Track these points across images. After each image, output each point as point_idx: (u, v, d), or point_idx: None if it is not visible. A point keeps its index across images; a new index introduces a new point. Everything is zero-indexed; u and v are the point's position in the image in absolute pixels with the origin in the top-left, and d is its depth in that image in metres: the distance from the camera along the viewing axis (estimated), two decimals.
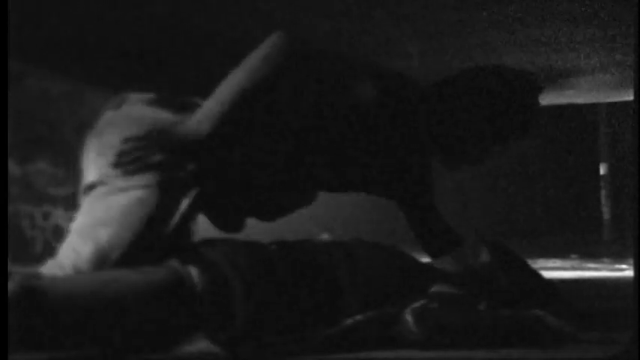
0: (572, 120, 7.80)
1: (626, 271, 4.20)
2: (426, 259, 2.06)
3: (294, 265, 1.72)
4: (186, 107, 1.85)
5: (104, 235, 1.70)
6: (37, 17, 2.74)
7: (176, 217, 1.75)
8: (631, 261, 3.75)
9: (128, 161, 1.75)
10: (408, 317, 1.67)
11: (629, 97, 4.53)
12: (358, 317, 1.69)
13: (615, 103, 5.62)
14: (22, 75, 3.30)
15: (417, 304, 1.69)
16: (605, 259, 5.19)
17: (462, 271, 1.95)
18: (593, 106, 7.40)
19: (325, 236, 2.17)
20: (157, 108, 1.84)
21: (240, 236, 1.84)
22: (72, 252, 1.71)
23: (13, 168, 3.38)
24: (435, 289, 1.81)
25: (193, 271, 1.63)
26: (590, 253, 5.78)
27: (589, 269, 4.52)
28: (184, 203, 1.76)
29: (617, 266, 4.63)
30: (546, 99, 4.74)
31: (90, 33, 2.98)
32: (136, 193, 1.74)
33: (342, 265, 1.78)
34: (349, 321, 1.68)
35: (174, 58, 3.39)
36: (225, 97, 1.81)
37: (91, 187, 1.80)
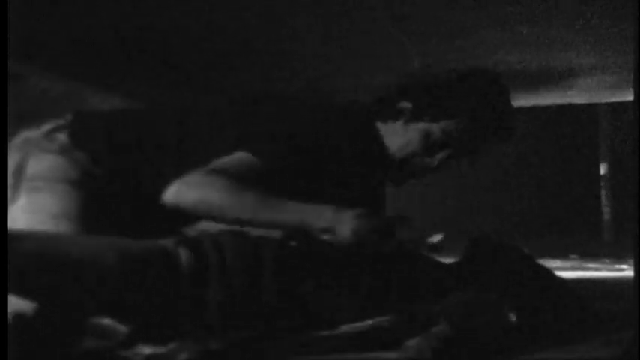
0: (572, 120, 7.79)
1: (626, 271, 4.20)
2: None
3: (283, 263, 1.71)
4: None
5: None
6: (37, 17, 2.74)
7: None
8: (631, 261, 3.75)
9: None
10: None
11: (629, 97, 4.53)
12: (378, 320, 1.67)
13: (615, 103, 5.62)
14: (22, 75, 3.30)
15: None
16: (605, 259, 5.18)
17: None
18: (593, 106, 7.39)
19: (325, 236, 2.15)
20: None
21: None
22: None
23: None
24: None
25: (182, 249, 1.62)
26: (590, 253, 5.77)
27: (589, 269, 4.52)
28: None
29: (617, 266, 4.63)
30: (546, 99, 4.74)
31: (90, 33, 2.97)
32: None
33: (333, 269, 1.77)
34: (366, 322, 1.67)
35: (174, 58, 3.39)
36: None
37: None
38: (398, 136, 1.96)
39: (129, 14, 2.77)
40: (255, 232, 1.78)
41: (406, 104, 1.96)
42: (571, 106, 5.85)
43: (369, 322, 1.67)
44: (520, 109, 5.74)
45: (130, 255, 1.56)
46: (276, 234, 1.81)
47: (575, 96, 4.64)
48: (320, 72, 3.74)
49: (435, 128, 1.94)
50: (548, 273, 2.03)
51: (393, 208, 2.36)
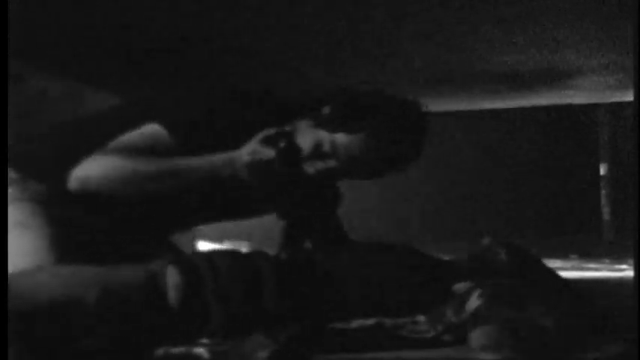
0: (572, 120, 7.79)
1: (626, 271, 4.20)
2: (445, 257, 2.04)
3: (278, 274, 1.70)
4: None
5: None
6: (37, 17, 2.74)
7: None
8: (631, 261, 3.75)
9: None
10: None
11: (629, 97, 4.53)
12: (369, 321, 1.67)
13: (615, 103, 5.62)
14: (22, 75, 3.30)
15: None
16: (605, 259, 5.18)
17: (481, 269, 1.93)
18: (593, 106, 7.39)
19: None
20: None
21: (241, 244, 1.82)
22: None
23: None
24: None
25: (170, 268, 1.61)
26: (590, 253, 5.77)
27: (589, 269, 4.52)
28: None
29: (617, 266, 4.63)
30: (546, 99, 4.74)
31: (90, 33, 2.97)
32: None
33: (327, 276, 1.76)
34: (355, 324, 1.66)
35: (174, 58, 3.39)
36: None
37: None
38: (303, 136, 1.96)
39: (129, 14, 2.77)
40: (247, 248, 1.76)
41: (326, 109, 1.95)
42: (571, 106, 5.86)
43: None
44: (520, 109, 5.75)
45: (113, 289, 1.52)
46: (269, 249, 1.81)
47: (575, 96, 4.65)
48: (321, 72, 3.75)
49: (327, 138, 1.92)
50: (551, 273, 2.04)
51: (393, 210, 2.37)
